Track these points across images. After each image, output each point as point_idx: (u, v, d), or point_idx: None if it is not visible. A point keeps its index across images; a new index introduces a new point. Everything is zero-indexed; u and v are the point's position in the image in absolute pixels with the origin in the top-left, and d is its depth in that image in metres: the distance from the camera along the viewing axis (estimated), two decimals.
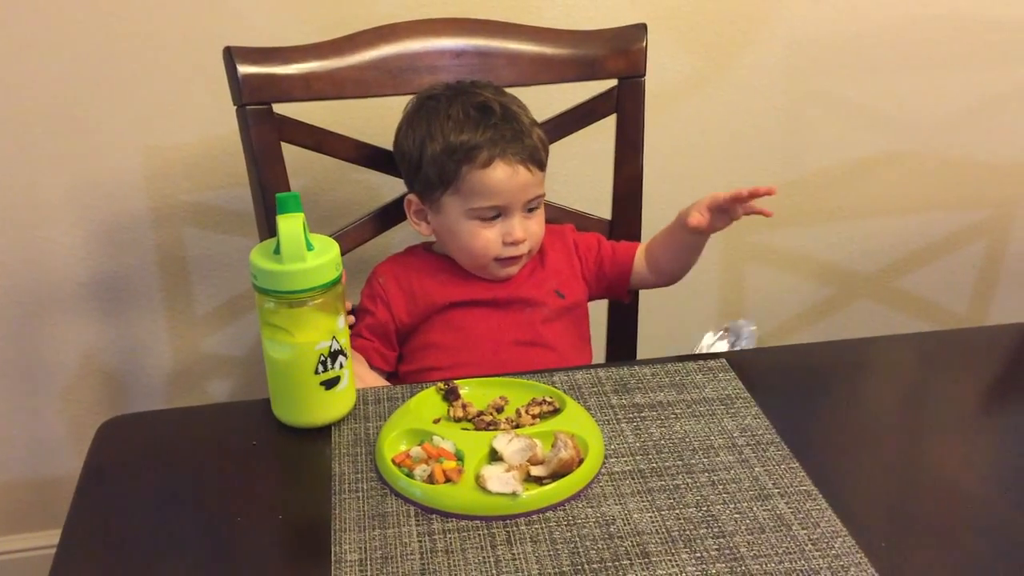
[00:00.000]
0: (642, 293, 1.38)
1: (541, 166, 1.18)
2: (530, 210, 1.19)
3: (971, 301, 1.85)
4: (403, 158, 1.21)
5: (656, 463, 0.86)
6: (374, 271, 1.25)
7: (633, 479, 0.85)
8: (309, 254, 0.87)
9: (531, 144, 1.16)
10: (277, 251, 0.86)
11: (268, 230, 1.19)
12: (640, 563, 0.75)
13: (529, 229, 1.18)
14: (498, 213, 1.17)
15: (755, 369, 1.00)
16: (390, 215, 1.28)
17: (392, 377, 1.23)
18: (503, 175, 1.14)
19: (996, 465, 0.89)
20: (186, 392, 1.61)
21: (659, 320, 1.74)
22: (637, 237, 1.35)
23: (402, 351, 1.22)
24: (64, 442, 1.60)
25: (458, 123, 1.15)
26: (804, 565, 0.74)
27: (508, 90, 1.24)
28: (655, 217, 1.59)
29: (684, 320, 1.78)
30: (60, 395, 1.58)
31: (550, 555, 0.76)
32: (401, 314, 1.20)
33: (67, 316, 1.53)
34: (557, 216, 1.33)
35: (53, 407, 1.58)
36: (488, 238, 1.17)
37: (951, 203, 1.77)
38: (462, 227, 1.17)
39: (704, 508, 0.81)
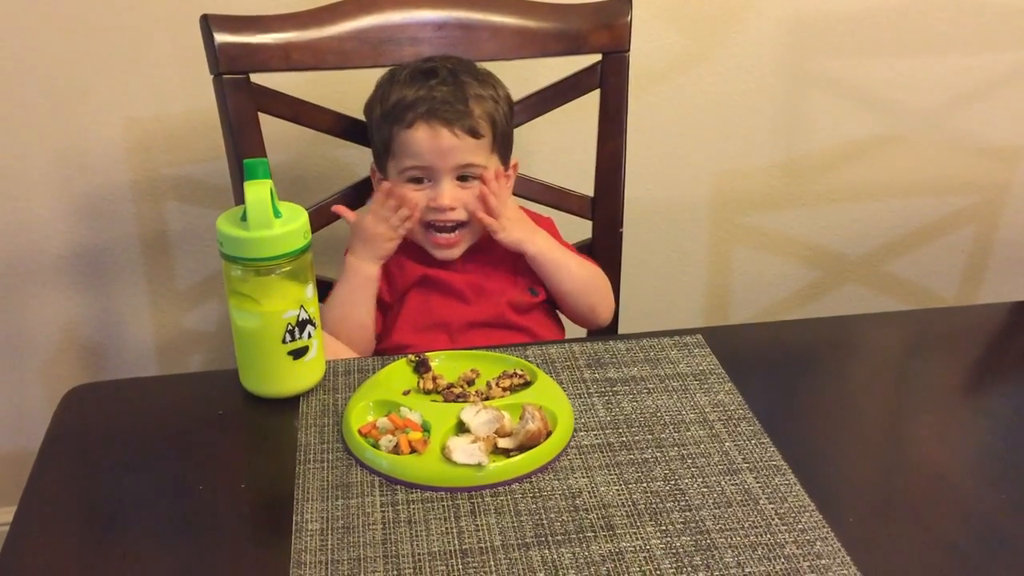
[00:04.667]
0: (626, 275, 1.37)
1: (473, 134, 1.14)
2: (463, 178, 1.16)
3: (960, 286, 1.84)
4: (367, 128, 1.21)
5: (626, 437, 0.85)
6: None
7: (602, 452, 0.84)
8: (277, 221, 0.85)
9: (463, 110, 1.13)
10: (244, 218, 0.85)
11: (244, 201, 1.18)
12: (605, 535, 0.74)
13: (461, 198, 1.16)
14: (426, 177, 1.15)
15: (731, 345, 0.99)
16: (368, 189, 1.26)
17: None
18: (423, 136, 1.13)
19: (969, 444, 0.88)
20: (167, 366, 1.60)
21: (645, 302, 1.73)
22: (619, 214, 1.33)
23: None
24: (43, 415, 1.57)
25: (400, 86, 1.15)
26: (770, 539, 0.74)
27: (491, 64, 1.23)
28: (639, 196, 1.59)
29: (671, 302, 1.77)
30: (39, 368, 1.57)
31: (514, 526, 0.75)
32: (381, 286, 1.20)
33: (47, 288, 1.52)
34: (540, 192, 1.32)
35: (32, 380, 1.58)
36: (414, 200, 1.15)
37: (941, 187, 1.76)
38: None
39: (672, 482, 0.80)
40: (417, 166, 1.14)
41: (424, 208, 1.15)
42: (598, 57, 1.27)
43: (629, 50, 1.27)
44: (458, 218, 1.16)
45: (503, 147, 1.20)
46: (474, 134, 1.14)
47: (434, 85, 1.14)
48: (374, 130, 1.19)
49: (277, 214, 0.86)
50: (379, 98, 1.18)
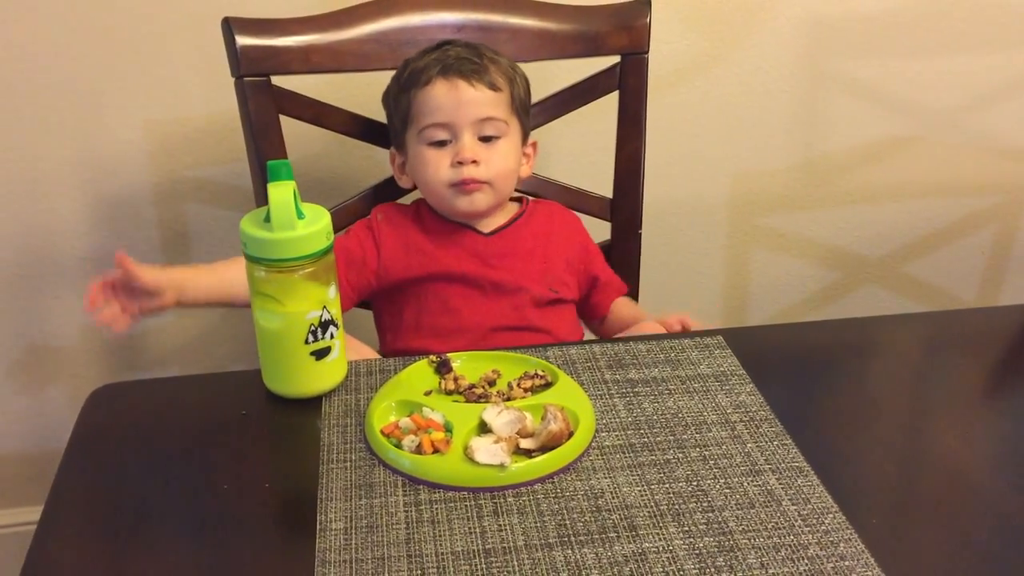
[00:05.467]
0: (644, 276, 1.37)
1: (492, 86, 1.14)
2: (485, 138, 1.15)
3: (979, 288, 1.83)
4: (387, 117, 1.22)
5: (648, 438, 0.86)
6: (373, 209, 1.23)
7: (624, 453, 0.84)
8: (300, 222, 0.86)
9: (479, 63, 1.14)
10: (268, 219, 0.86)
11: (266, 202, 1.18)
12: (627, 536, 0.74)
13: (484, 156, 1.14)
14: (448, 138, 1.14)
15: (752, 346, 0.99)
16: (389, 189, 1.27)
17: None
18: (442, 90, 1.13)
19: (991, 444, 0.88)
20: (189, 367, 1.61)
21: (663, 303, 1.72)
22: (638, 216, 1.33)
23: (392, 328, 1.21)
24: (66, 415, 1.59)
25: (414, 61, 1.16)
26: (793, 540, 0.73)
27: None
28: (657, 197, 1.58)
29: (689, 304, 1.77)
30: (62, 369, 1.58)
31: (536, 527, 0.76)
32: (389, 258, 1.18)
33: (70, 290, 1.53)
34: (558, 194, 1.32)
35: (55, 381, 1.59)
36: (439, 162, 1.14)
37: (960, 188, 1.75)
38: (418, 157, 1.16)
39: (694, 483, 0.80)
40: (437, 123, 1.13)
41: (447, 169, 1.14)
42: (617, 59, 1.27)
43: (648, 52, 1.27)
44: (481, 176, 1.14)
45: (522, 115, 1.19)
46: (492, 87, 1.14)
47: (448, 49, 1.16)
48: (392, 109, 1.19)
49: (300, 215, 0.86)
50: (395, 78, 1.19)
